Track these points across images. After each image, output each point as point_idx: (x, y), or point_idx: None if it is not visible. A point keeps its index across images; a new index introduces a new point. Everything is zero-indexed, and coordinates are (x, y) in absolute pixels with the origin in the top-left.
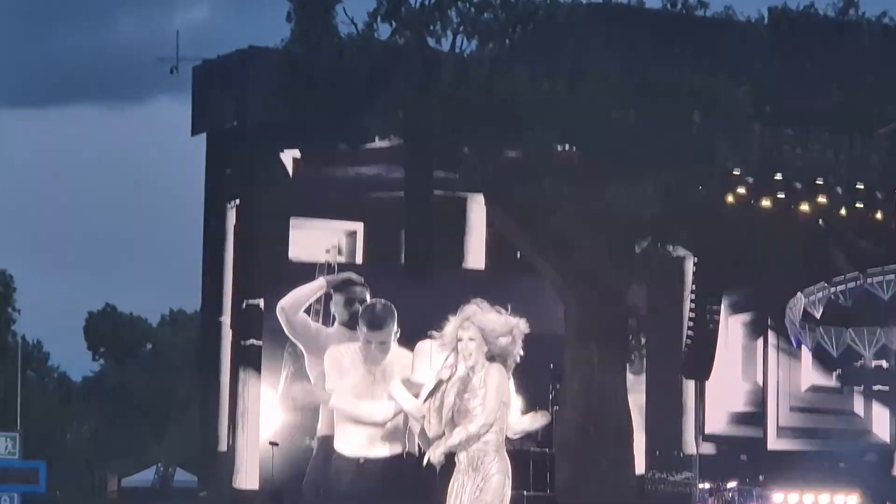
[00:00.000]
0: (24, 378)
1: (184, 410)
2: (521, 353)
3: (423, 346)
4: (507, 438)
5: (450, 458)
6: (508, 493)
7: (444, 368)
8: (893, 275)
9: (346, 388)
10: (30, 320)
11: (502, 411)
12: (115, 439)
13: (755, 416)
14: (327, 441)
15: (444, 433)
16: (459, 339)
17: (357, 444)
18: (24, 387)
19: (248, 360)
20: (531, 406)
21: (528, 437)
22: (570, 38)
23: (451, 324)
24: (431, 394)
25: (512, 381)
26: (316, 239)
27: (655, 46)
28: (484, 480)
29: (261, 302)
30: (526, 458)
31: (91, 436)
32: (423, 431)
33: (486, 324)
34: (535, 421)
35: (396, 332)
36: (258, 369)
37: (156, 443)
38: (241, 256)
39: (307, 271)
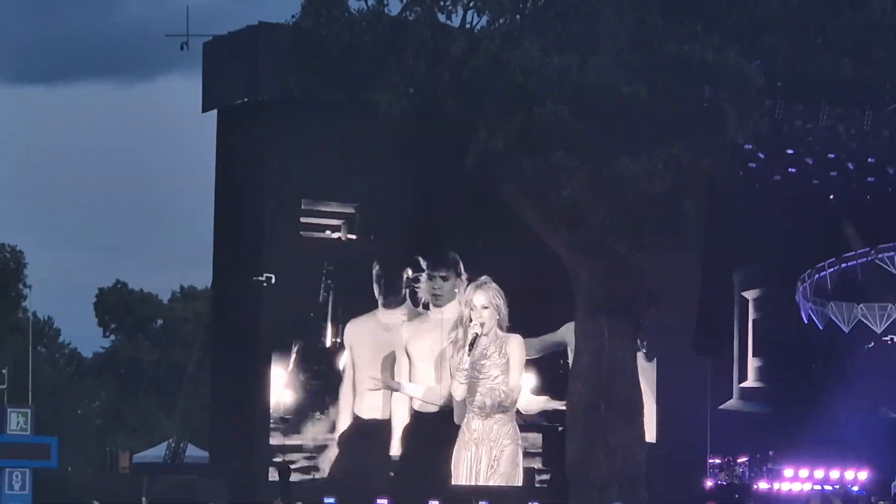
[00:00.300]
0: (35, 354)
1: (195, 386)
2: None
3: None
4: (517, 412)
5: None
6: (521, 460)
7: (475, 325)
8: None
9: None
10: (41, 296)
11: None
12: (126, 415)
13: (765, 392)
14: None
15: (466, 392)
16: (472, 308)
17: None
18: (36, 363)
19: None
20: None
21: (541, 412)
22: (581, 12)
23: (465, 295)
24: (471, 346)
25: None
26: (327, 214)
27: (667, 20)
28: (501, 451)
29: (272, 278)
30: (537, 432)
31: (102, 411)
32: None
33: (498, 295)
34: (550, 402)
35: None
36: (268, 348)
37: (167, 418)
38: (251, 232)
39: (318, 247)
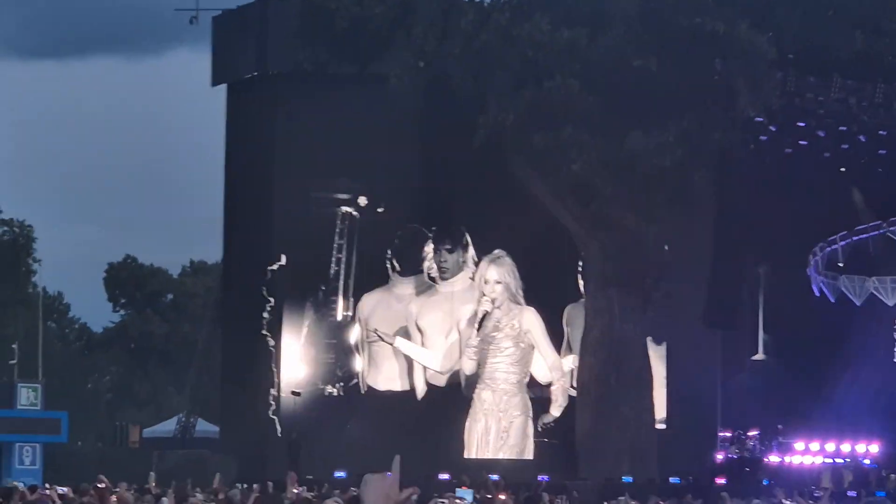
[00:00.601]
0: (45, 329)
1: (205, 361)
2: None
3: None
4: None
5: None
6: (531, 431)
7: (484, 302)
8: None
9: None
10: (50, 271)
11: (529, 355)
12: (136, 390)
13: (776, 365)
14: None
15: (478, 366)
16: (486, 282)
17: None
18: (46, 338)
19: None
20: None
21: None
22: None
23: (479, 269)
24: (480, 324)
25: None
26: (337, 188)
27: None
28: (510, 423)
29: (283, 258)
30: (547, 404)
31: (112, 386)
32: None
33: (511, 270)
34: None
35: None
36: (279, 323)
37: (177, 393)
38: (261, 206)
39: (328, 220)
